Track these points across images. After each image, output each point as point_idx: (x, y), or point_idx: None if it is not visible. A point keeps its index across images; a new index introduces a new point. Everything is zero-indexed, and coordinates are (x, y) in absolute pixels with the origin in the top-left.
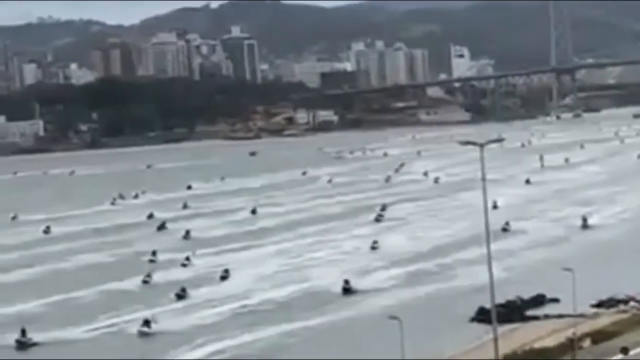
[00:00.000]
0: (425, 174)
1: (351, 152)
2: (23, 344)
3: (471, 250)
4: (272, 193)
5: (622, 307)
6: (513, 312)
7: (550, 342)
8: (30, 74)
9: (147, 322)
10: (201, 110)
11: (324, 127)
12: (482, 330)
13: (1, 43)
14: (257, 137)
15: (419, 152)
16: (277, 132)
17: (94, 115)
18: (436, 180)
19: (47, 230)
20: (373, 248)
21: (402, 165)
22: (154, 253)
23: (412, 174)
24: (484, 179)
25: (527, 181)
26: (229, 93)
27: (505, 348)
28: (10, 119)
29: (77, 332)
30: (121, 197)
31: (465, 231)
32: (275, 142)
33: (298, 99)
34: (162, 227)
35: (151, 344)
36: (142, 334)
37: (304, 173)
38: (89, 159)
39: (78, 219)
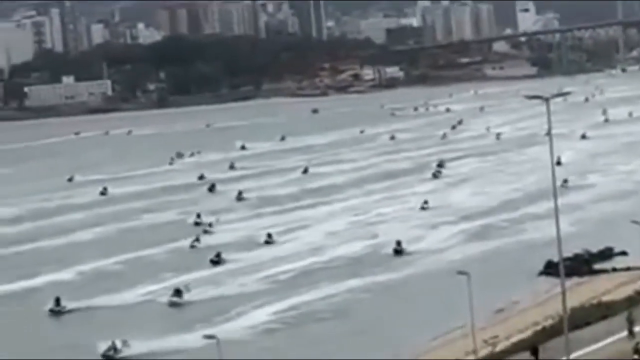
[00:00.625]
0: (488, 129)
1: (415, 109)
2: (56, 312)
3: (539, 204)
4: (336, 150)
5: None
6: (581, 265)
7: (617, 295)
8: (98, 34)
9: (178, 292)
10: (267, 68)
11: (390, 83)
12: (550, 284)
13: (69, 4)
14: (324, 94)
15: (482, 108)
16: (344, 88)
17: (162, 75)
18: (498, 136)
19: (104, 192)
20: (435, 205)
21: (460, 122)
22: (198, 215)
23: (474, 130)
24: (550, 133)
25: (583, 136)
26: (295, 50)
27: (573, 301)
28: (78, 79)
29: (107, 300)
30: (180, 156)
31: (532, 186)
32: (341, 99)
33: (364, 55)
34: (212, 188)
35: (183, 314)
36: (173, 304)
37: (361, 131)
38: (153, 118)
39: (134, 180)
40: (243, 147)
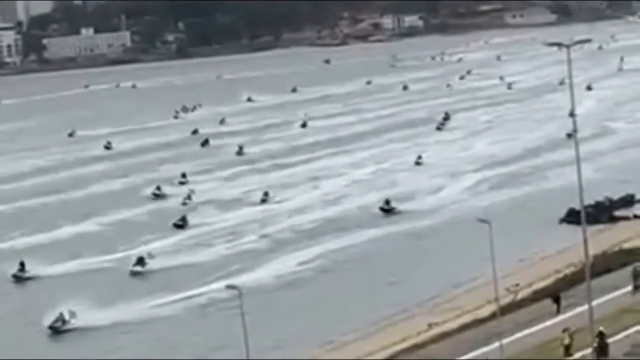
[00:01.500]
0: (502, 78)
1: (433, 58)
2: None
3: (560, 152)
4: (353, 100)
5: None
6: (602, 212)
7: (639, 242)
8: None
9: (140, 260)
10: (286, 18)
11: (410, 32)
12: (572, 231)
13: None
14: (344, 43)
15: (498, 57)
16: (363, 37)
17: (180, 26)
18: (509, 85)
19: (108, 146)
20: (430, 162)
21: (469, 72)
22: (184, 175)
23: (489, 79)
24: (571, 80)
25: (588, 87)
26: (314, 0)
27: (595, 249)
28: (97, 31)
29: (72, 266)
30: (185, 110)
31: (550, 135)
32: (361, 48)
33: (383, 4)
34: (205, 143)
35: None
36: (134, 274)
37: (368, 82)
38: (168, 70)
39: (136, 134)
40: (249, 99)
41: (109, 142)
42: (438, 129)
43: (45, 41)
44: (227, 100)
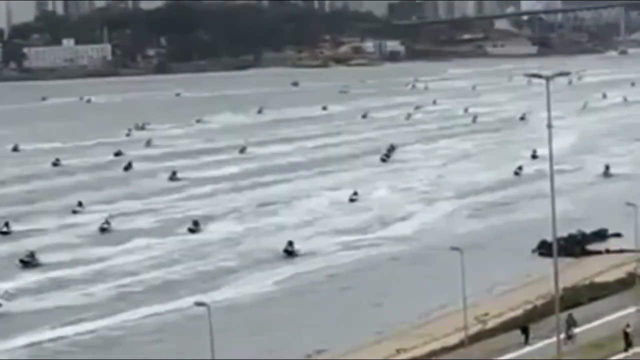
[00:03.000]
0: (466, 110)
1: (412, 86)
2: None
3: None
4: (303, 127)
5: None
6: (574, 245)
7: (610, 276)
8: None
9: None
10: (268, 37)
11: (391, 57)
12: (544, 263)
13: None
14: (325, 65)
15: (474, 87)
16: (344, 61)
17: (162, 41)
18: (474, 119)
19: (56, 163)
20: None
21: (434, 101)
22: (80, 204)
23: (455, 110)
24: (549, 113)
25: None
26: (297, 21)
27: (565, 282)
28: (79, 42)
29: None
30: (139, 128)
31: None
32: (342, 71)
33: (366, 28)
34: (128, 167)
35: None
36: None
37: (324, 108)
38: (142, 85)
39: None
40: (198, 121)
41: (57, 159)
42: (383, 160)
43: (25, 50)
44: (178, 120)
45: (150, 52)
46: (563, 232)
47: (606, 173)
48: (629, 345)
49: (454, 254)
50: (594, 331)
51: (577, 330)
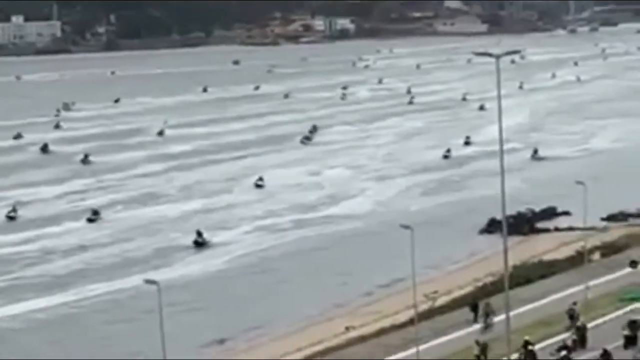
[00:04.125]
0: (409, 91)
1: (354, 64)
2: None
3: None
4: (232, 107)
5: (631, 220)
6: (524, 224)
7: (559, 254)
8: None
9: None
10: (219, 15)
11: (341, 35)
12: (493, 241)
13: None
14: (275, 43)
15: (418, 65)
16: (294, 38)
17: (112, 17)
18: (411, 99)
19: None
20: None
21: (380, 81)
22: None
23: (394, 90)
24: (499, 92)
25: (481, 107)
26: None
27: (514, 259)
28: (28, 19)
29: None
30: (66, 107)
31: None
32: (291, 49)
33: (316, 6)
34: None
35: None
36: None
37: (256, 88)
38: (87, 62)
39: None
40: (117, 101)
41: None
42: (303, 142)
43: None
44: (98, 101)
45: (100, 29)
46: (512, 211)
47: (534, 156)
48: (573, 322)
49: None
50: (542, 309)
51: (495, 319)
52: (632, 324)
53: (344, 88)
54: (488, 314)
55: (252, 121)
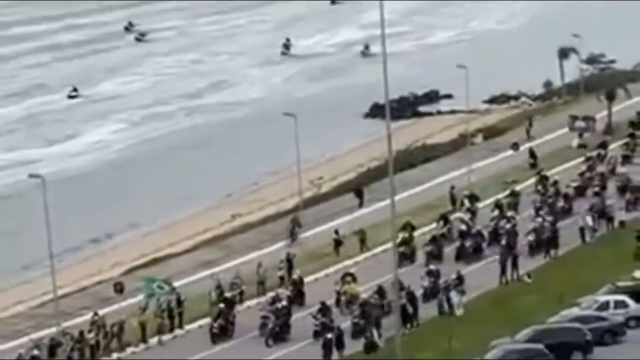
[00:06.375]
0: None
1: None
2: None
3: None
4: None
5: (513, 103)
6: (406, 107)
7: (443, 137)
8: None
9: None
10: None
11: None
12: (377, 125)
13: None
14: None
15: None
16: None
17: None
18: None
19: None
20: None
21: None
22: None
23: None
24: None
25: None
26: None
27: (398, 144)
28: None
29: None
30: None
31: None
32: None
33: None
34: None
35: None
36: None
37: None
38: None
39: None
40: None
41: None
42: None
43: None
44: None
45: None
46: (395, 95)
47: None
48: (460, 203)
49: (288, 119)
50: (426, 193)
51: (303, 234)
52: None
53: None
54: (294, 226)
55: None
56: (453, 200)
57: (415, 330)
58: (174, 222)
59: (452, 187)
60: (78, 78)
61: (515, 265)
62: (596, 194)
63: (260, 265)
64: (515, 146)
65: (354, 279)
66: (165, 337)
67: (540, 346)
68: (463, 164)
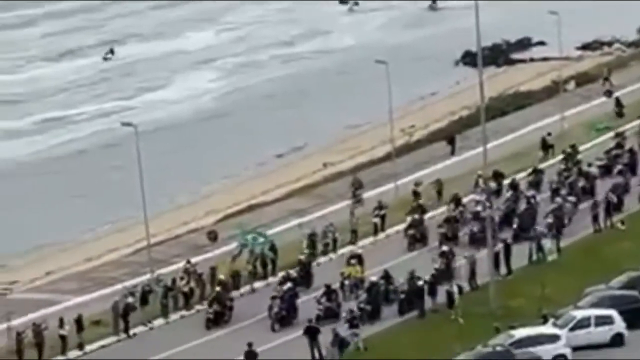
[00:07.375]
0: None
1: None
2: None
3: None
4: None
5: (606, 49)
6: (499, 55)
7: (535, 84)
8: None
9: None
10: None
11: None
12: (468, 73)
13: None
14: None
15: None
16: None
17: None
18: None
19: None
20: None
21: None
22: None
23: None
24: None
25: None
26: None
27: (491, 91)
28: None
29: None
30: None
31: None
32: None
33: None
34: None
35: None
36: None
37: None
38: None
39: None
40: None
41: None
42: None
43: None
44: None
45: None
46: (487, 42)
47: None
48: (546, 150)
49: (380, 66)
50: (518, 140)
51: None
52: None
53: None
54: (356, 187)
55: None
56: (545, 147)
57: (508, 278)
58: (267, 171)
59: (549, 134)
60: (168, 27)
61: (608, 212)
62: None
63: (353, 213)
64: (608, 93)
65: (360, 261)
66: (258, 284)
67: (635, 292)
68: (556, 111)
